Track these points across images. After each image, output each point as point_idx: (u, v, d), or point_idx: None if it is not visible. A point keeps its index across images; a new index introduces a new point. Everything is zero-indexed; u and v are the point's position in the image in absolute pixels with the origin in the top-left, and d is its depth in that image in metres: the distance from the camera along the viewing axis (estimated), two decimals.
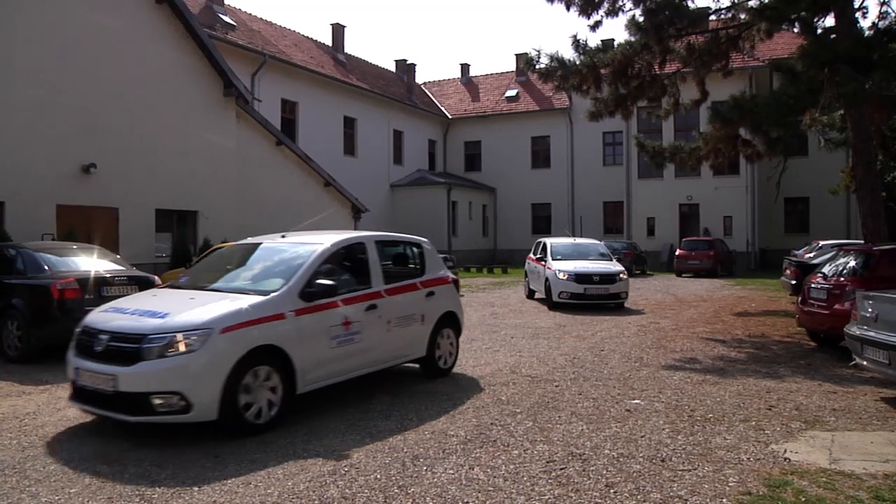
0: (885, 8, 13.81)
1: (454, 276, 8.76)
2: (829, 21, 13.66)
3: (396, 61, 41.00)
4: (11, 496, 4.43)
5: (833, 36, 12.88)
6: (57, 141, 14.14)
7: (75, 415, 6.40)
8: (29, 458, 5.16)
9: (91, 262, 9.89)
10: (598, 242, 18.58)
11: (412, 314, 7.60)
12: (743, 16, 14.01)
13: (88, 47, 14.78)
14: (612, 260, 16.99)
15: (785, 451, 5.28)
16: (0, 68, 13.18)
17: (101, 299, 9.20)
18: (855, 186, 13.91)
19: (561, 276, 15.46)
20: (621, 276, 15.55)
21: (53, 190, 14.08)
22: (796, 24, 13.74)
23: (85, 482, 4.67)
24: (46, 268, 9.41)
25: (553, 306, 15.58)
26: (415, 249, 8.39)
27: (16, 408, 6.70)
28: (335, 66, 32.28)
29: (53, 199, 14.10)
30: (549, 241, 17.84)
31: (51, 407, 6.74)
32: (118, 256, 11.25)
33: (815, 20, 13.51)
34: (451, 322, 8.26)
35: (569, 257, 16.48)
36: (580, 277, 15.32)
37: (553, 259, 16.37)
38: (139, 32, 15.98)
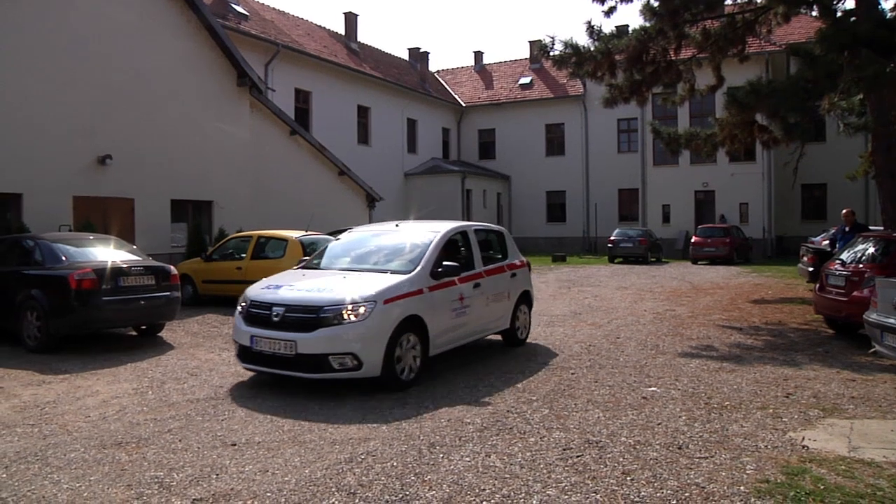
0: None
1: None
2: (849, 3, 13.48)
3: (409, 49, 40.93)
4: (34, 483, 4.49)
5: (853, 18, 12.66)
6: (72, 133, 14.23)
7: (94, 403, 6.49)
8: (50, 446, 5.23)
9: (108, 253, 9.97)
10: (439, 230, 8.23)
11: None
12: None
13: (102, 39, 14.83)
14: (418, 271, 7.37)
15: (803, 438, 5.24)
16: (15, 61, 13.28)
17: (117, 289, 9.34)
18: (874, 172, 13.72)
19: (239, 307, 7.47)
20: (349, 314, 6.62)
21: (70, 181, 14.19)
22: (814, 7, 13.51)
23: (104, 470, 4.73)
24: (64, 259, 9.50)
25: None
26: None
27: (36, 396, 6.79)
28: (348, 55, 32.23)
29: (70, 190, 14.21)
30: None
31: (70, 395, 6.82)
32: (134, 247, 11.32)
33: (835, 3, 13.28)
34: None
35: (332, 265, 8.19)
36: (251, 314, 7.18)
37: (295, 271, 8.31)
38: (153, 23, 16.02)
